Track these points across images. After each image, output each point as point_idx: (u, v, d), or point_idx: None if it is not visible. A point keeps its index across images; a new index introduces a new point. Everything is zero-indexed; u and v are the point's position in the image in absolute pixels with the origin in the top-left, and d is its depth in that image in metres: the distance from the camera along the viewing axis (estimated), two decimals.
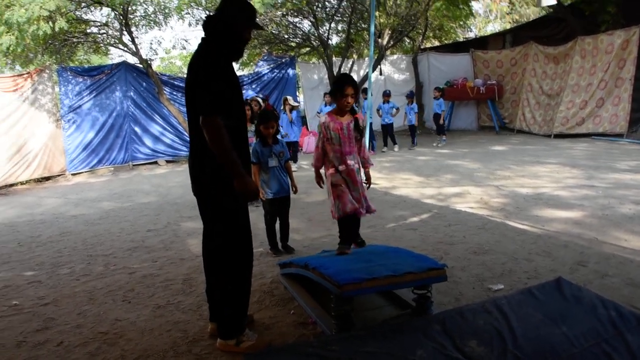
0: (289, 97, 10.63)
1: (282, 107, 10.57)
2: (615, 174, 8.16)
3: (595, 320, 2.95)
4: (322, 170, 4.35)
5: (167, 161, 14.45)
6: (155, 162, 14.31)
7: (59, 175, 13.28)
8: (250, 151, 7.71)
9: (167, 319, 3.81)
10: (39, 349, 3.47)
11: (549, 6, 13.48)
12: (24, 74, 12.89)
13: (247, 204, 3.25)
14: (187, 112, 3.17)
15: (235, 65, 22.73)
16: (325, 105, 12.57)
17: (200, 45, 3.14)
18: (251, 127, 7.49)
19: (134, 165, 14.08)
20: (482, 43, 18.09)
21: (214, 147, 2.90)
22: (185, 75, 3.56)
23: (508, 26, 24.38)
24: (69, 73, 13.39)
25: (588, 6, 13.05)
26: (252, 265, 3.34)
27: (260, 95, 10.04)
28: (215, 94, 2.91)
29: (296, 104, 10.69)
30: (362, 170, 4.25)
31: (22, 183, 12.61)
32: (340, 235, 4.25)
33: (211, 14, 3.20)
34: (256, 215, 7.06)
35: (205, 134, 2.90)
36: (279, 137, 5.58)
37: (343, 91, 4.02)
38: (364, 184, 4.24)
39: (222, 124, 2.88)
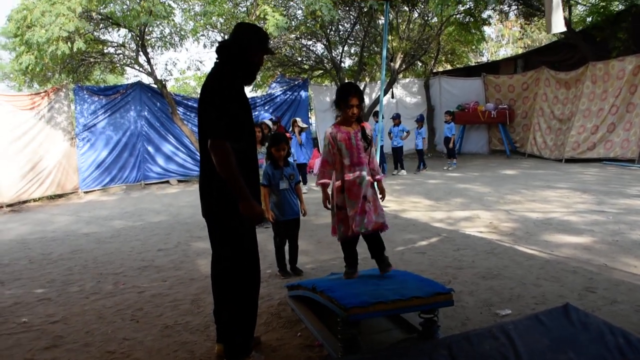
0: (298, 119, 10.72)
1: (291, 129, 10.65)
2: (626, 199, 8.11)
3: (602, 348, 2.93)
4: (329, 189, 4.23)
5: (179, 181, 14.56)
6: (167, 182, 14.43)
7: (71, 193, 13.42)
8: (261, 173, 7.80)
9: (175, 339, 3.83)
10: None
11: (561, 32, 13.56)
12: (40, 93, 13.12)
13: (254, 226, 3.28)
14: (198, 134, 3.24)
15: (249, 87, 22.95)
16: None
17: (213, 69, 3.23)
18: (261, 149, 7.53)
19: (146, 184, 14.20)
20: (493, 67, 18.17)
21: (221, 170, 2.96)
22: (198, 96, 3.65)
23: (520, 51, 24.53)
24: (85, 92, 13.62)
25: (599, 32, 13.11)
26: (259, 288, 3.37)
27: (273, 117, 10.11)
28: (225, 118, 2.98)
29: (305, 125, 10.77)
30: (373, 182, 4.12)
31: (34, 200, 12.76)
32: (345, 258, 4.16)
33: (225, 39, 3.30)
34: (265, 237, 7.10)
35: (212, 156, 2.96)
36: (290, 159, 5.63)
37: (347, 101, 3.91)
38: (378, 197, 4.10)
39: (229, 147, 2.94)
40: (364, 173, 3.95)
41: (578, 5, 16.38)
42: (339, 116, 4.09)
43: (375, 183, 4.15)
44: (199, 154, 3.31)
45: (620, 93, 12.37)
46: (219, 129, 2.95)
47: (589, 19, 14.71)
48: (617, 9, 13.18)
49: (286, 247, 5.46)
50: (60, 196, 13.22)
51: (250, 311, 3.29)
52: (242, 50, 3.18)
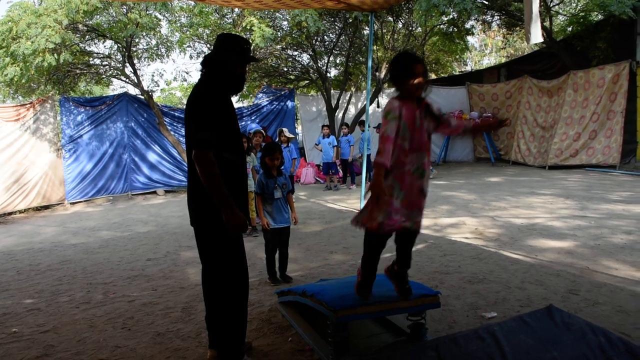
0: (284, 129, 10.79)
1: (277, 139, 10.71)
2: (607, 204, 8.28)
3: (584, 346, 3.02)
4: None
5: (166, 191, 14.55)
6: (154, 192, 14.41)
7: (57, 204, 13.35)
8: (255, 182, 7.89)
9: (167, 346, 3.87)
10: None
11: (542, 42, 13.82)
12: (26, 104, 13.07)
13: (240, 235, 3.32)
14: (185, 144, 3.31)
15: (235, 97, 23.05)
16: (324, 137, 12.76)
17: (199, 81, 3.30)
18: (248, 159, 7.63)
19: (132, 194, 14.17)
20: (477, 76, 18.42)
21: (204, 180, 3.02)
22: (184, 107, 3.71)
23: (503, 60, 24.91)
24: (71, 103, 13.58)
25: (579, 42, 13.39)
26: (247, 294, 3.43)
27: (260, 128, 10.16)
28: (209, 129, 3.03)
29: (292, 135, 10.83)
30: (430, 172, 3.88)
31: (20, 212, 12.67)
32: (367, 262, 3.46)
33: (208, 52, 3.36)
34: (254, 245, 7.16)
35: (197, 167, 3.02)
36: (282, 168, 5.70)
37: (412, 69, 3.21)
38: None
39: (212, 158, 3.00)
40: (425, 162, 3.31)
41: (559, 15, 16.69)
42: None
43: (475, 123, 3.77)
44: (186, 164, 3.37)
45: (601, 101, 12.63)
46: (202, 140, 3.01)
47: (569, 29, 15.00)
48: (596, 19, 13.48)
49: (276, 255, 5.50)
50: (46, 207, 13.14)
51: (240, 317, 3.34)
52: (224, 62, 3.23)
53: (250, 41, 12.45)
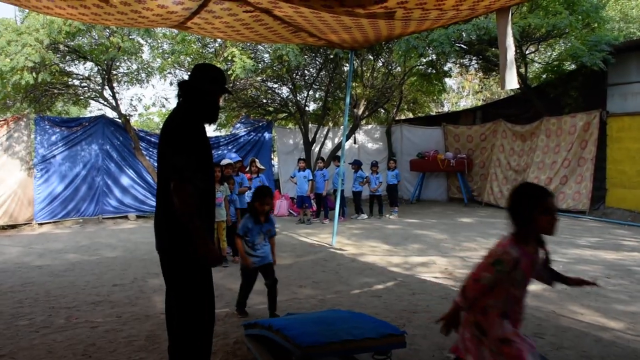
0: (256, 160, 10.79)
1: (247, 169, 10.68)
2: (576, 249, 8.42)
3: None
4: None
5: (138, 216, 14.35)
6: (126, 217, 14.20)
7: (24, 224, 13.04)
8: (218, 211, 7.85)
9: None
10: None
11: (517, 87, 14.20)
12: (0, 121, 12.89)
13: (209, 268, 3.29)
14: (157, 171, 3.29)
15: (212, 126, 22.86)
16: (299, 171, 12.80)
17: (175, 110, 3.31)
18: (220, 188, 7.71)
19: (103, 218, 13.95)
20: (453, 117, 18.76)
21: (182, 211, 2.99)
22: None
23: (479, 103, 25.47)
24: (46, 123, 13.42)
25: (553, 89, 13.78)
26: (213, 326, 3.37)
27: (238, 158, 10.13)
28: (189, 160, 3.03)
29: (263, 167, 10.83)
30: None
31: None
32: None
33: (184, 79, 3.41)
34: (223, 275, 7.09)
35: (175, 198, 2.99)
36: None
37: (546, 203, 2.66)
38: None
39: (193, 191, 3.00)
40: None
41: (534, 63, 17.19)
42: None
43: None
44: (156, 189, 3.34)
45: (572, 147, 12.96)
46: (183, 172, 2.99)
47: (543, 76, 15.44)
48: (569, 69, 13.91)
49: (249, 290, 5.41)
50: (12, 227, 12.84)
51: (206, 349, 3.29)
52: (199, 92, 3.28)
53: (231, 72, 12.57)
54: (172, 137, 3.12)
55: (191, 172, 3.02)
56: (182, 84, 3.35)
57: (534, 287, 6.08)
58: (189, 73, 3.66)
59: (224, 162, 8.65)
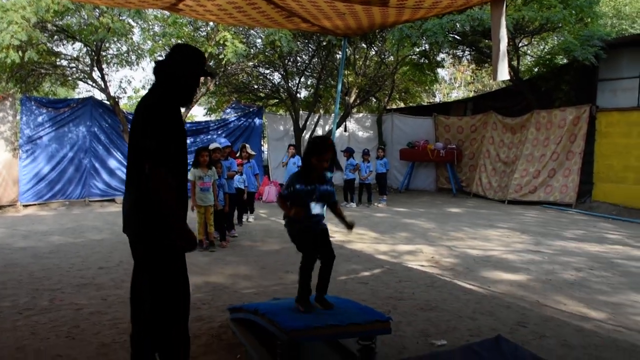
0: (247, 145, 10.74)
1: (238, 154, 10.64)
2: (561, 241, 8.49)
3: None
4: None
5: None
6: (113, 200, 14.11)
7: (9, 206, 12.90)
8: (203, 196, 7.79)
9: (111, 357, 3.76)
10: None
11: (509, 80, 14.22)
12: None
13: (184, 253, 3.21)
14: (128, 153, 3.21)
15: (202, 111, 22.70)
16: (289, 157, 12.75)
17: (150, 91, 3.23)
18: (208, 173, 7.78)
19: (90, 200, 13.84)
20: (444, 108, 18.78)
21: (157, 195, 2.93)
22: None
23: (470, 94, 25.51)
24: (33, 103, 13.25)
25: (544, 83, 13.82)
26: (188, 312, 3.27)
27: (227, 142, 10.05)
28: (164, 144, 2.96)
29: (253, 152, 10.79)
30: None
31: None
32: None
33: (162, 59, 3.30)
34: (210, 260, 7.08)
35: (150, 181, 2.92)
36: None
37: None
38: None
39: (166, 173, 2.93)
40: None
41: (527, 56, 17.23)
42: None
43: None
44: (126, 171, 3.25)
45: (561, 141, 13.04)
46: (158, 154, 2.93)
47: (535, 69, 15.48)
48: (561, 63, 13.96)
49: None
50: None
51: (181, 337, 3.19)
52: (177, 73, 3.16)
53: (223, 56, 12.46)
54: (146, 120, 3.04)
55: (165, 155, 2.95)
56: (158, 64, 3.23)
57: (520, 276, 6.16)
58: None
59: (212, 146, 8.59)
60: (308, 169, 3.77)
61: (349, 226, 3.87)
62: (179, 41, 13.07)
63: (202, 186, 7.77)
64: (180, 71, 3.16)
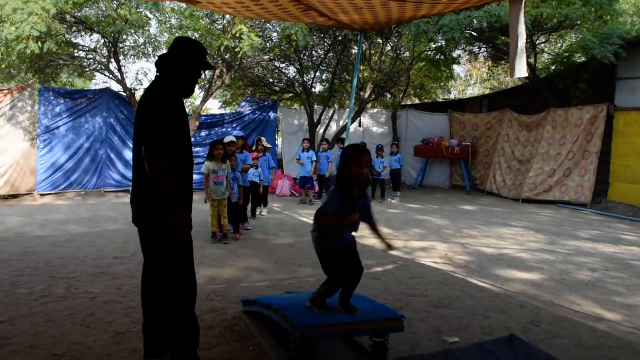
0: (262, 138, 10.76)
1: (253, 147, 10.68)
2: (576, 241, 8.42)
3: None
4: None
5: None
6: (127, 190, 14.21)
7: (26, 194, 13.06)
8: (227, 189, 7.81)
9: (126, 345, 3.80)
10: None
11: (525, 77, 14.09)
12: (3, 90, 12.84)
13: (189, 238, 3.26)
14: (133, 144, 3.26)
15: (217, 104, 22.77)
16: (303, 151, 12.77)
17: (152, 83, 3.30)
18: (222, 166, 7.72)
19: (105, 191, 13.97)
20: (460, 105, 18.66)
21: (153, 179, 2.99)
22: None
23: (486, 91, 25.31)
24: (50, 93, 13.37)
25: (561, 81, 13.67)
26: (195, 300, 3.32)
27: (241, 134, 10.09)
28: (161, 131, 3.02)
29: (269, 145, 10.80)
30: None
31: None
32: None
33: (163, 53, 3.37)
34: (223, 252, 7.12)
35: (146, 165, 2.99)
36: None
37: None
38: None
39: (163, 157, 2.98)
40: None
41: (544, 54, 17.05)
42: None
43: None
44: (133, 163, 3.30)
45: (578, 140, 12.91)
46: (154, 140, 2.99)
47: (552, 67, 15.31)
48: (579, 60, 13.79)
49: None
50: (14, 196, 12.86)
51: (189, 324, 3.24)
52: (178, 65, 3.24)
53: (239, 49, 12.47)
54: (147, 110, 3.11)
55: (163, 142, 3.00)
56: (160, 58, 3.31)
57: (534, 275, 6.12)
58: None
59: (227, 139, 8.62)
60: (348, 181, 3.45)
61: (389, 247, 3.73)
62: (196, 34, 13.13)
63: (216, 180, 7.71)
64: (180, 63, 3.25)
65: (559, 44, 18.18)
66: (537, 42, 14.44)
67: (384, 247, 3.71)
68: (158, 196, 3.01)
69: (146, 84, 18.57)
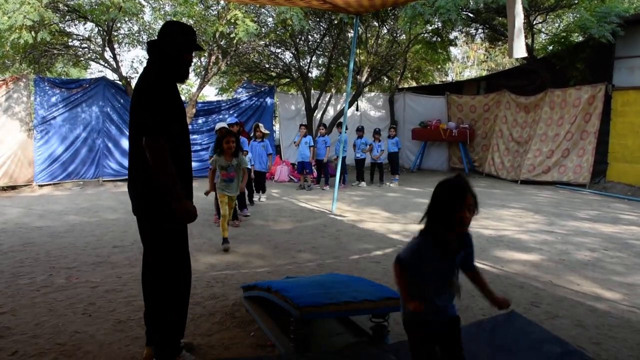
0: (260, 125, 10.72)
1: (252, 134, 10.65)
2: (575, 221, 8.44)
3: (542, 355, 3.07)
4: None
5: None
6: (126, 180, 14.18)
7: (24, 186, 13.05)
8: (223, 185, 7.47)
9: (127, 334, 3.81)
10: None
11: (523, 58, 14.02)
12: None
13: (185, 225, 3.28)
14: (129, 132, 3.25)
15: (214, 91, 22.69)
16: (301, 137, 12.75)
17: (144, 69, 3.27)
18: (232, 162, 6.80)
19: (103, 180, 13.95)
20: (457, 87, 18.59)
21: (156, 167, 2.97)
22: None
23: (483, 73, 25.20)
24: (46, 84, 13.30)
25: (559, 61, 13.62)
26: (189, 288, 3.38)
27: (236, 120, 10.03)
28: (157, 116, 3.00)
29: (267, 131, 10.76)
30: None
31: None
32: None
33: (154, 39, 3.35)
34: (233, 235, 7.12)
35: (147, 154, 2.97)
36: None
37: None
38: None
39: (165, 144, 2.97)
40: None
41: (541, 34, 16.96)
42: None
43: None
44: (129, 152, 3.29)
45: (576, 120, 12.88)
46: (153, 126, 2.97)
47: (550, 48, 15.24)
48: (576, 40, 13.72)
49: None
50: (12, 188, 12.84)
51: (181, 310, 3.32)
52: (168, 49, 3.21)
53: (234, 35, 12.39)
54: (142, 97, 3.09)
55: (162, 128, 2.99)
56: (150, 44, 3.28)
57: (533, 256, 6.14)
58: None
59: (218, 126, 8.50)
60: (443, 237, 2.52)
61: (501, 304, 2.58)
62: (190, 20, 13.04)
63: (226, 177, 6.79)
64: (171, 47, 3.21)
65: (557, 24, 18.08)
66: (534, 22, 14.37)
67: (494, 306, 2.61)
68: (160, 185, 2.99)
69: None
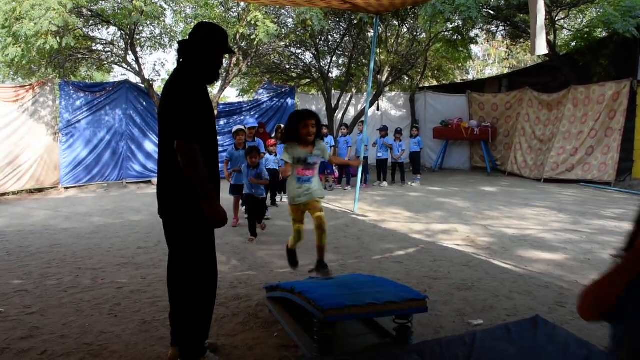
0: (282, 126, 10.76)
1: (273, 135, 10.70)
2: (600, 220, 8.31)
3: (568, 358, 3.04)
4: None
5: None
6: (149, 181, 14.38)
7: (51, 188, 13.31)
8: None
9: (152, 334, 3.87)
10: (21, 357, 3.51)
11: (545, 55, 13.85)
12: (25, 86, 13.03)
13: (213, 228, 3.28)
14: (158, 133, 3.26)
15: (235, 92, 22.85)
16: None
17: (174, 71, 3.26)
18: (315, 151, 6.82)
19: (127, 182, 14.15)
20: (479, 85, 18.44)
21: (188, 170, 2.97)
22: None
23: (505, 71, 24.94)
24: (70, 88, 13.54)
25: (582, 57, 13.42)
26: (215, 288, 3.42)
27: (254, 124, 10.06)
28: (191, 118, 2.99)
29: None
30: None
31: (13, 193, 12.64)
32: None
33: (185, 39, 3.35)
34: (244, 240, 7.15)
35: (180, 157, 2.96)
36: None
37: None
38: None
39: (197, 148, 2.96)
40: None
41: (563, 30, 16.74)
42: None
43: None
44: (158, 154, 3.30)
45: (600, 117, 12.67)
46: (186, 130, 2.96)
47: (572, 44, 15.03)
48: (600, 36, 13.51)
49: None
50: (39, 191, 13.11)
51: (206, 312, 3.34)
52: (200, 50, 3.19)
53: (254, 36, 12.46)
54: (173, 99, 3.07)
55: (193, 131, 2.98)
56: (181, 44, 3.27)
57: (557, 256, 6.06)
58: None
59: (235, 129, 8.58)
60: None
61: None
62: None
63: (303, 175, 6.80)
64: (202, 48, 3.20)
65: (579, 20, 17.82)
66: (557, 18, 14.18)
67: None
68: (192, 187, 2.99)
69: (164, 75, 18.76)
